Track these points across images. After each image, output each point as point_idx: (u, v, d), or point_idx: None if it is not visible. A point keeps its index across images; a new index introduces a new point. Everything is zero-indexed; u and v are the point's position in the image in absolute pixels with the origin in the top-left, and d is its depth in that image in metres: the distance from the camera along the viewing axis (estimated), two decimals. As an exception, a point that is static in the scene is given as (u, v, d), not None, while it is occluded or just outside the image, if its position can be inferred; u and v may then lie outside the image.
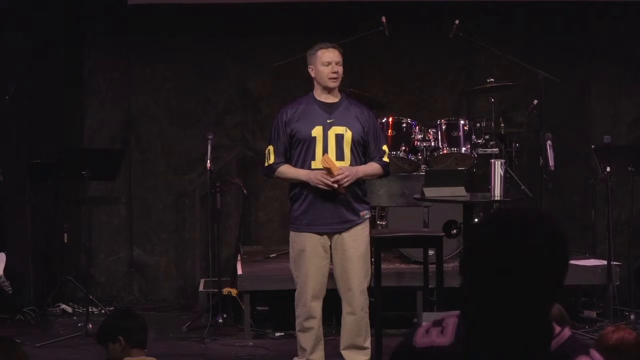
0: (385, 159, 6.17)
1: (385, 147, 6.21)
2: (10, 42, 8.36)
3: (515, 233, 1.99)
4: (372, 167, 6.10)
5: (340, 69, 6.03)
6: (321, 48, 6.04)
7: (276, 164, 6.07)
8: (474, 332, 2.03)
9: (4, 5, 8.33)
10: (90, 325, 7.32)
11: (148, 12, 8.97)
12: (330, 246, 6.06)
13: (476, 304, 2.01)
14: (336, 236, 6.04)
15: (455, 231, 6.69)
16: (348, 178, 5.92)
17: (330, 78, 6.01)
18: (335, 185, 5.91)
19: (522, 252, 1.97)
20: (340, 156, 6.00)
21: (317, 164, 6.00)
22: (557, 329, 2.04)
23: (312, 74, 6.08)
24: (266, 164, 6.16)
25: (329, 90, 6.07)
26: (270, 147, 6.10)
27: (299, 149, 6.03)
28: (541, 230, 2.00)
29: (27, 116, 8.41)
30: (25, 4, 8.52)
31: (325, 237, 6.03)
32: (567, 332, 2.06)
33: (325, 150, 6.00)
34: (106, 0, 9.00)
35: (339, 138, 6.03)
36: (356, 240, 6.05)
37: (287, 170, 6.06)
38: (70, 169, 7.67)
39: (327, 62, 6.00)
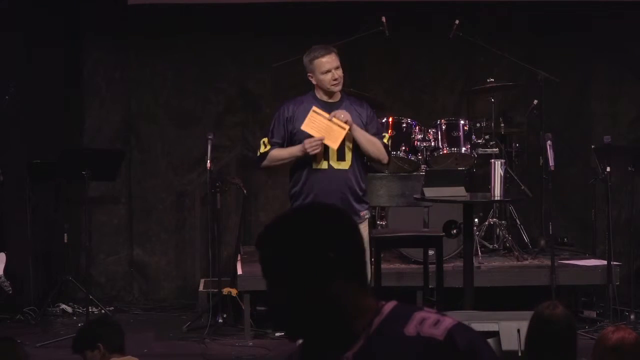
0: (385, 141, 6.14)
1: (385, 134, 6.21)
2: (10, 42, 8.36)
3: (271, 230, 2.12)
4: (374, 137, 6.05)
5: (340, 73, 6.01)
6: (317, 57, 5.97)
7: (268, 152, 6.05)
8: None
9: (4, 5, 8.33)
10: (90, 325, 7.31)
11: (148, 12, 8.97)
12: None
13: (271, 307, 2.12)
14: (336, 236, 6.01)
15: (455, 231, 6.69)
16: (343, 113, 5.89)
17: (332, 85, 6.00)
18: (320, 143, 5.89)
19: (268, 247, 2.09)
20: (341, 156, 5.99)
21: (317, 164, 5.99)
22: (379, 304, 2.11)
23: (313, 81, 6.05)
24: (258, 154, 6.15)
25: (331, 93, 6.07)
26: (265, 139, 6.09)
27: (300, 148, 6.03)
28: (291, 226, 2.10)
29: (27, 116, 8.41)
30: (25, 4, 8.51)
31: (325, 236, 6.00)
32: (390, 304, 2.12)
33: (325, 151, 5.99)
34: (106, 0, 9.00)
35: None
36: (356, 240, 6.02)
37: (280, 153, 6.04)
38: (70, 169, 7.66)
39: (326, 70, 5.98)
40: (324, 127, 5.91)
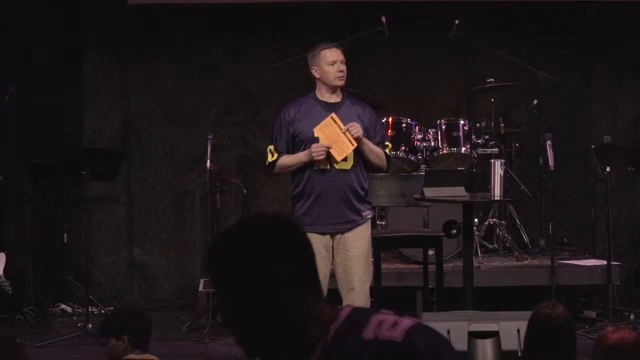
0: (387, 151, 6.17)
1: (388, 143, 6.23)
2: (10, 43, 8.36)
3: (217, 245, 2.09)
4: (378, 148, 6.07)
5: (345, 68, 6.03)
6: (324, 48, 6.01)
7: (276, 160, 6.06)
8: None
9: (4, 6, 8.33)
10: (90, 325, 7.32)
11: (148, 12, 8.97)
12: (332, 246, 6.05)
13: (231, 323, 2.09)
14: (338, 236, 6.02)
15: (455, 231, 6.69)
16: (358, 128, 5.89)
17: (337, 77, 6.00)
18: (325, 151, 5.88)
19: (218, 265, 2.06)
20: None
21: (320, 165, 5.98)
22: (335, 310, 2.09)
23: (317, 75, 6.05)
24: (266, 163, 6.16)
25: (333, 89, 6.06)
26: (272, 146, 6.09)
27: (301, 149, 6.02)
28: (232, 240, 2.06)
29: (27, 116, 8.40)
30: (25, 4, 8.51)
31: (328, 236, 6.02)
32: (346, 309, 2.09)
33: (328, 154, 5.99)
34: (106, 0, 9.00)
35: None
36: (359, 240, 6.04)
37: (287, 160, 6.04)
38: (70, 169, 7.66)
39: (332, 62, 5.98)
40: (335, 136, 5.91)
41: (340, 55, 6.02)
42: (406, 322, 2.03)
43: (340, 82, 6.03)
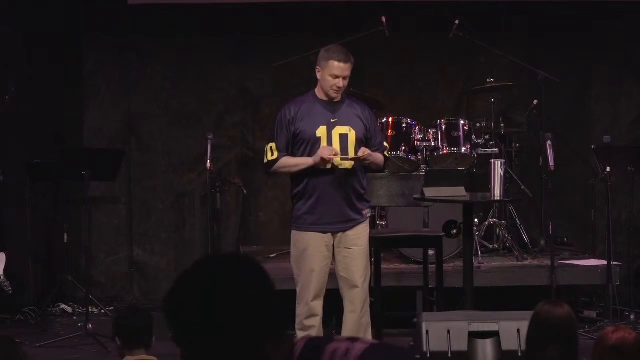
0: (386, 154, 6.22)
1: (386, 144, 6.26)
2: (10, 42, 8.36)
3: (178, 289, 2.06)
4: (379, 157, 6.14)
5: (345, 84, 6.03)
6: (334, 59, 5.99)
7: (277, 159, 6.05)
8: None
9: (4, 6, 8.33)
10: (90, 325, 7.32)
11: (148, 12, 8.97)
12: (333, 245, 6.06)
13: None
14: (340, 235, 6.04)
15: (455, 231, 6.69)
16: (370, 159, 5.99)
17: (333, 90, 6.02)
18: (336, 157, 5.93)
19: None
20: (344, 155, 6.01)
21: (321, 165, 5.99)
22: (291, 345, 2.06)
23: (318, 75, 6.07)
24: (265, 161, 6.14)
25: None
26: (273, 144, 6.06)
27: (302, 149, 6.02)
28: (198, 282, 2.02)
29: (27, 116, 8.40)
30: (25, 4, 8.52)
31: (329, 235, 6.03)
32: (301, 342, 2.07)
33: None
34: (106, 0, 9.00)
35: (344, 138, 6.03)
36: (360, 238, 6.07)
37: (290, 161, 6.03)
38: (70, 169, 7.66)
39: (334, 75, 5.99)
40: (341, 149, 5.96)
41: (345, 72, 5.99)
42: (358, 347, 2.01)
43: (335, 95, 6.04)
